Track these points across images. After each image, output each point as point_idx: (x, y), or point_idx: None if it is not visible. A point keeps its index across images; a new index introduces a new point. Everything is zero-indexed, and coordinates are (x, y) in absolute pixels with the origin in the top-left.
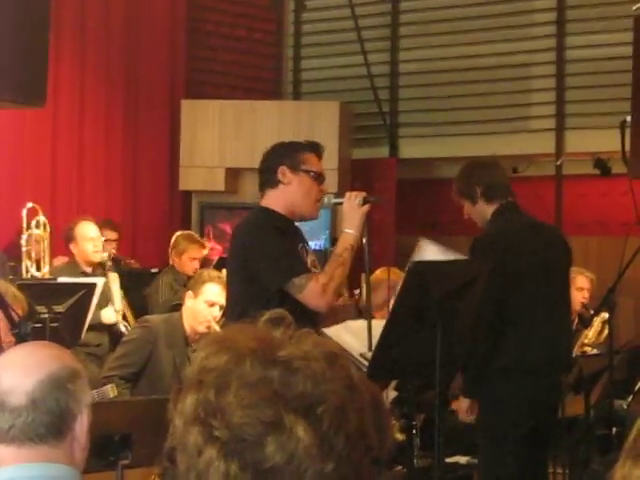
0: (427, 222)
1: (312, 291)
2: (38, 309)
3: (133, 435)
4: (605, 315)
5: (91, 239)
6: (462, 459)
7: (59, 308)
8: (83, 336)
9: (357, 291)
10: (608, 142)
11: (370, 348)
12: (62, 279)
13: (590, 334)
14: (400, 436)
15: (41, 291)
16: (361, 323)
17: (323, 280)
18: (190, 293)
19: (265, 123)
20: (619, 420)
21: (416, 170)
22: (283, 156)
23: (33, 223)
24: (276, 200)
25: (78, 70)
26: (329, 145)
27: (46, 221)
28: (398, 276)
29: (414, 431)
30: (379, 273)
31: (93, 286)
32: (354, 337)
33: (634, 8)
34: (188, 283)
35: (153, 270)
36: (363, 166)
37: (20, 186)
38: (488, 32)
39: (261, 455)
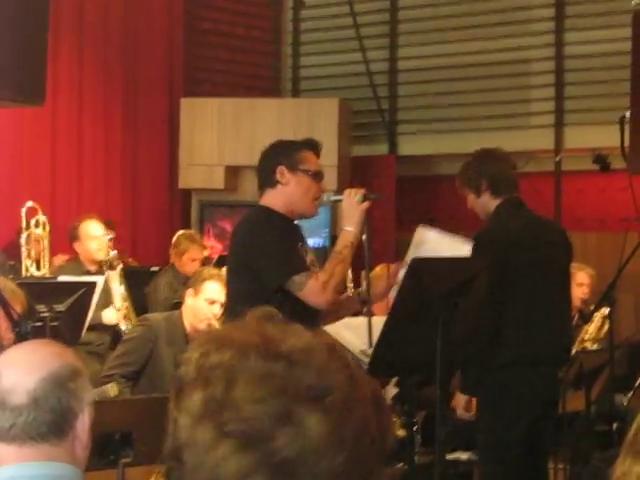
0: (426, 218)
1: (312, 289)
2: (38, 308)
3: (134, 433)
4: (605, 311)
5: (95, 238)
6: (463, 455)
7: (59, 307)
8: (84, 336)
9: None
10: (607, 138)
11: (370, 345)
12: (62, 278)
13: (590, 330)
14: (401, 433)
15: (41, 290)
16: (361, 320)
17: (323, 278)
18: (190, 291)
19: (264, 121)
20: (620, 415)
21: (415, 167)
22: (281, 156)
23: (32, 222)
24: (275, 199)
25: (77, 69)
26: (328, 142)
27: (46, 220)
28: None
29: (415, 428)
30: (379, 270)
31: (93, 285)
32: (354, 334)
33: (633, 3)
34: (188, 282)
35: (153, 269)
36: (362, 163)
37: (19, 185)
38: (487, 28)
39: (273, 448)
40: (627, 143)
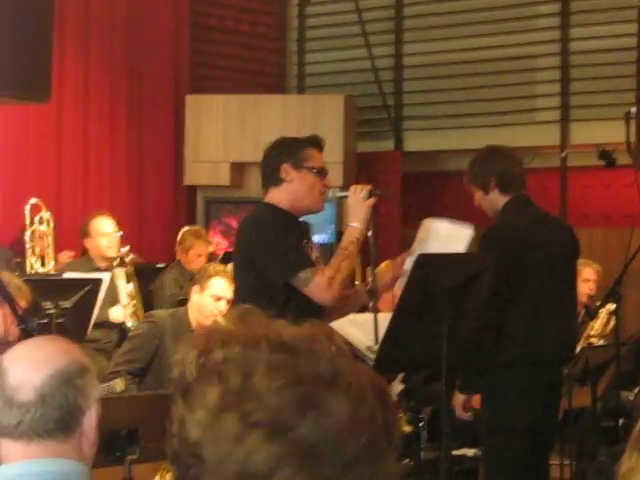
0: (432, 215)
1: (318, 285)
2: (44, 305)
3: (140, 430)
4: (611, 306)
5: (106, 235)
6: (469, 451)
7: (65, 304)
8: (92, 333)
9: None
10: (613, 134)
11: (376, 341)
12: (68, 275)
13: (596, 325)
14: (407, 429)
15: (47, 287)
16: (367, 316)
17: (329, 273)
18: (196, 287)
19: (270, 117)
20: (626, 411)
21: (421, 163)
22: (285, 154)
23: (37, 219)
24: (280, 197)
25: (82, 66)
26: (334, 139)
27: (50, 217)
28: None
29: (421, 424)
30: (384, 266)
31: (99, 281)
32: (360, 330)
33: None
34: (194, 278)
35: (158, 265)
36: (368, 159)
37: (25, 182)
38: (492, 24)
39: (300, 435)
40: (633, 139)
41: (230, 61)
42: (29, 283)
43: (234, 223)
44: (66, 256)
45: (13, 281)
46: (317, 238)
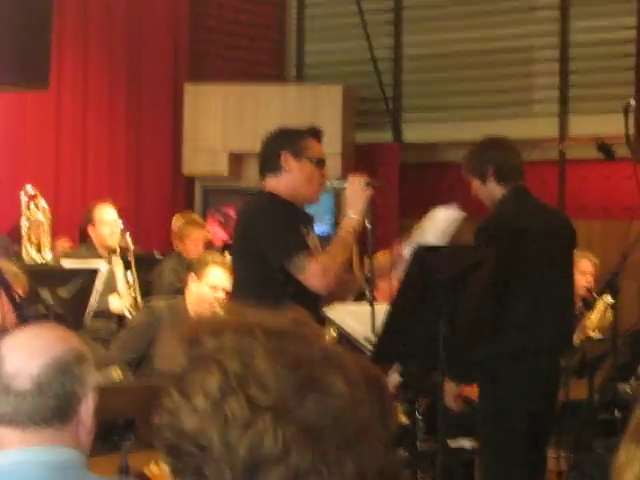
0: (430, 206)
1: (313, 272)
2: (42, 293)
3: (137, 419)
4: (609, 299)
5: (108, 223)
6: (466, 443)
7: (63, 293)
8: (92, 323)
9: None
10: (612, 126)
11: (374, 332)
12: (66, 263)
13: (594, 318)
14: (404, 420)
15: (44, 275)
16: (364, 308)
17: (324, 261)
18: (193, 276)
19: (268, 107)
20: (623, 404)
21: (419, 154)
22: (285, 143)
23: (32, 206)
24: (278, 186)
25: (81, 54)
26: (332, 129)
27: (45, 205)
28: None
29: (418, 415)
30: (380, 256)
31: (97, 270)
32: (358, 321)
33: None
34: (192, 265)
35: (157, 255)
36: (366, 150)
37: (23, 170)
38: (491, 16)
39: (306, 416)
40: (632, 131)
41: (229, 51)
42: (27, 271)
43: (232, 213)
44: (63, 243)
45: (10, 269)
46: (315, 229)
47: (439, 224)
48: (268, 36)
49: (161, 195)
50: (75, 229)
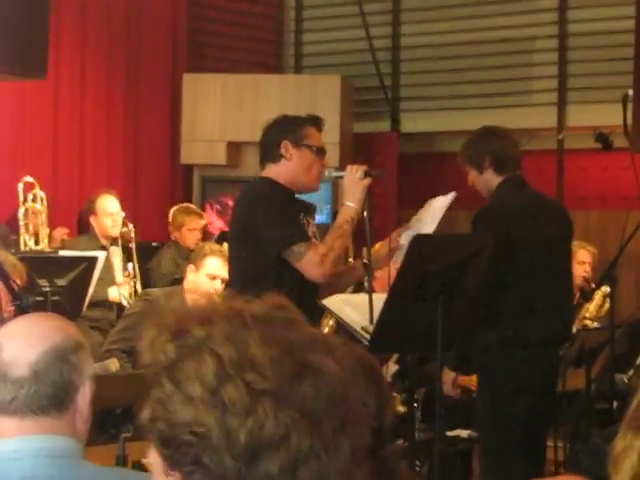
0: (428, 196)
1: (310, 260)
2: (40, 282)
3: (134, 408)
4: (606, 289)
5: (110, 214)
6: (463, 433)
7: (61, 281)
8: (91, 313)
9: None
10: (610, 116)
11: (371, 321)
12: (64, 252)
13: (591, 308)
14: (401, 409)
15: (42, 264)
16: (362, 297)
17: (322, 250)
18: (192, 266)
19: (267, 97)
20: (620, 394)
21: (417, 144)
22: (286, 131)
23: (30, 197)
24: (277, 173)
25: (79, 42)
26: (330, 119)
27: (43, 194)
28: None
29: (415, 404)
30: (378, 246)
31: (94, 259)
32: (355, 310)
33: None
34: (190, 256)
35: (154, 244)
36: (365, 140)
37: (20, 160)
38: (490, 5)
39: (301, 398)
40: (630, 121)
41: (228, 40)
42: (25, 260)
43: (230, 202)
44: (60, 233)
45: (8, 259)
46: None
47: (437, 213)
48: (266, 26)
49: (159, 184)
50: (73, 218)
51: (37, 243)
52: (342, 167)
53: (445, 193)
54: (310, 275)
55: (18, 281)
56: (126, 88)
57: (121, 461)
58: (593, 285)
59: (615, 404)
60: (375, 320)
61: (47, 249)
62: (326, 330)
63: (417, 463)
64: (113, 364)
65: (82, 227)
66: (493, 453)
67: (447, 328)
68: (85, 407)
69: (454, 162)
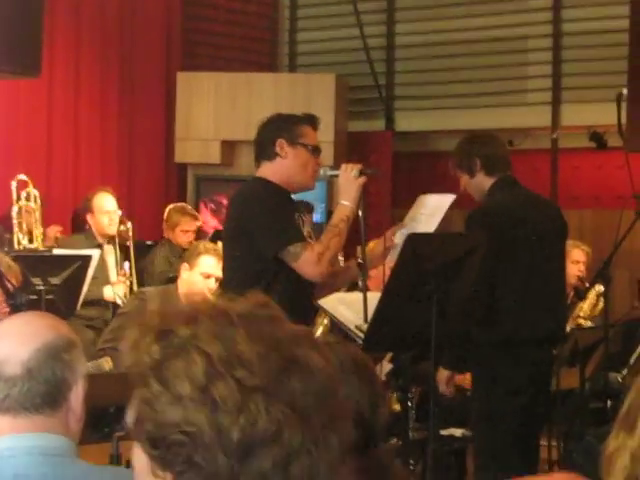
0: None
1: (307, 260)
2: (33, 281)
3: (128, 407)
4: (600, 288)
5: (107, 212)
6: (457, 431)
7: (55, 280)
8: (86, 312)
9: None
10: (604, 115)
11: (366, 320)
12: (57, 251)
13: (585, 307)
14: (396, 408)
15: (36, 263)
16: (356, 295)
17: (318, 249)
18: (186, 265)
19: (261, 96)
20: (614, 393)
21: (412, 143)
22: (281, 129)
23: (23, 195)
24: (272, 172)
25: (73, 41)
26: (325, 118)
27: (37, 193)
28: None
29: (409, 403)
30: (372, 245)
31: (88, 258)
32: (349, 309)
33: None
34: (184, 255)
35: (148, 242)
36: (359, 139)
37: (14, 158)
38: (485, 5)
39: (291, 394)
40: (624, 121)
41: (222, 39)
42: (19, 259)
43: (224, 201)
44: (54, 231)
45: (3, 260)
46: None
47: (430, 210)
48: (261, 25)
49: (153, 183)
50: (67, 217)
51: (31, 241)
52: (337, 166)
53: (440, 192)
54: (307, 275)
55: (13, 281)
56: (120, 87)
57: (115, 460)
58: (587, 284)
59: (609, 403)
60: (369, 319)
61: (41, 247)
62: (320, 329)
63: (411, 462)
64: (106, 363)
65: (77, 225)
66: (487, 452)
67: (441, 327)
68: (78, 405)
69: (448, 161)
